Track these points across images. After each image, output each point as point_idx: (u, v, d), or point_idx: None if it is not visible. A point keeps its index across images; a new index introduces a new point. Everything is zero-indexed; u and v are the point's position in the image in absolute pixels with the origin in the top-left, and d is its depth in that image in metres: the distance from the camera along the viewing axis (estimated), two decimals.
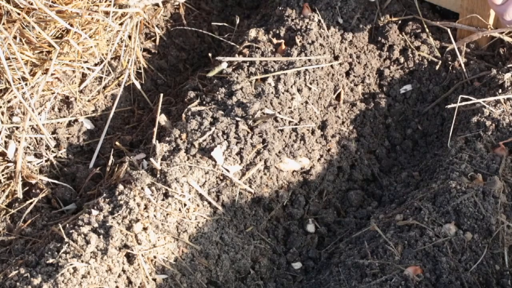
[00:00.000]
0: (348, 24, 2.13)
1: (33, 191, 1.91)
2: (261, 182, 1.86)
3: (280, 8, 2.18)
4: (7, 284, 1.60)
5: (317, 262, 1.85)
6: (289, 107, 1.94)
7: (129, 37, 2.12)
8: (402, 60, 2.14)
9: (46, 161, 1.97)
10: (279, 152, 1.89)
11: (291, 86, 1.97)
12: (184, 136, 1.85)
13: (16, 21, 1.92)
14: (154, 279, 1.64)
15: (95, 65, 2.09)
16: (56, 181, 1.93)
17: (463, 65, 2.08)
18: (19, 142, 1.92)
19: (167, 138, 1.85)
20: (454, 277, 1.61)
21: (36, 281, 1.57)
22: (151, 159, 1.79)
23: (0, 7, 1.91)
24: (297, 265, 1.84)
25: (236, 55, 2.06)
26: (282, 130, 1.90)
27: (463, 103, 1.94)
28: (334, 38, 2.09)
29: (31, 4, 1.91)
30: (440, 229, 1.67)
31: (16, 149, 1.92)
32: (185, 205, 1.74)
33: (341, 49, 2.10)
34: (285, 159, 1.89)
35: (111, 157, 1.91)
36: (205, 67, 2.12)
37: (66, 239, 1.63)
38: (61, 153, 1.99)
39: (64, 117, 2.04)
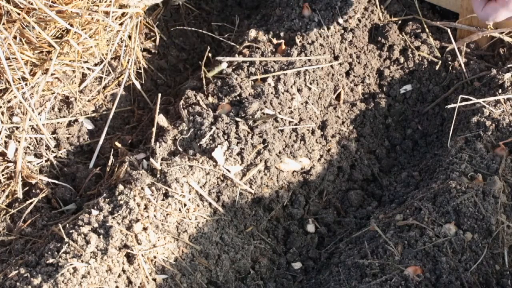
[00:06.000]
0: (348, 24, 2.13)
1: (33, 191, 1.91)
2: (261, 183, 1.86)
3: (280, 8, 2.18)
4: (7, 284, 1.60)
5: (317, 262, 1.85)
6: (289, 107, 1.94)
7: (129, 37, 2.12)
8: (402, 60, 2.15)
9: (46, 161, 1.97)
10: (280, 152, 1.89)
11: (291, 86, 1.97)
12: (184, 136, 1.85)
13: (16, 21, 1.92)
14: (154, 279, 1.64)
15: (95, 65, 2.09)
16: (56, 181, 1.93)
17: (463, 65, 2.09)
18: (19, 142, 1.92)
19: (167, 138, 1.85)
20: (454, 277, 1.61)
21: (36, 281, 1.57)
22: (151, 159, 1.79)
23: (0, 7, 1.91)
24: (297, 265, 1.84)
25: (236, 55, 2.06)
26: (282, 130, 1.90)
27: (463, 103, 1.94)
28: (334, 38, 2.09)
29: (31, 4, 1.91)
30: (440, 229, 1.67)
31: (16, 149, 1.92)
32: (185, 205, 1.74)
33: (341, 49, 2.10)
34: (285, 159, 1.89)
35: (111, 157, 1.91)
36: (205, 67, 2.12)
37: (66, 239, 1.63)
38: (61, 153, 1.99)
39: (64, 117, 2.04)
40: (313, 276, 1.80)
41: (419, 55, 2.14)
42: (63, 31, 2.02)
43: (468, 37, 2.11)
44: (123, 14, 2.10)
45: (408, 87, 2.13)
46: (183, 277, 1.68)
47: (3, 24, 1.91)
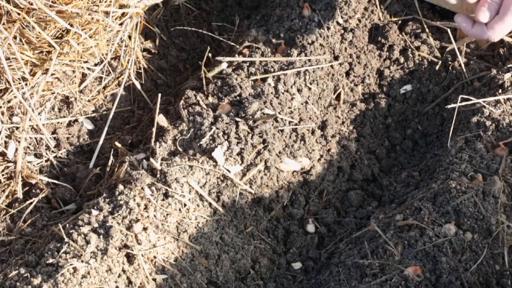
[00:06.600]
0: (348, 24, 2.13)
1: (33, 191, 1.91)
2: (261, 183, 1.86)
3: (280, 8, 2.18)
4: (7, 284, 1.60)
5: (317, 262, 1.85)
6: (289, 107, 1.94)
7: (129, 37, 2.12)
8: (402, 60, 2.15)
9: (46, 161, 1.97)
10: (279, 152, 1.89)
11: (291, 86, 1.97)
12: (184, 136, 1.85)
13: (16, 21, 1.92)
14: (154, 279, 1.64)
15: (95, 65, 2.09)
16: (56, 181, 1.93)
17: (463, 65, 2.09)
18: (19, 142, 1.92)
19: (167, 138, 1.85)
20: (454, 277, 1.61)
21: (36, 281, 1.57)
22: (151, 159, 1.79)
23: (0, 7, 1.91)
24: (297, 265, 1.84)
25: (236, 55, 2.06)
26: (282, 130, 1.90)
27: (463, 103, 1.94)
28: (334, 38, 2.09)
29: (31, 4, 1.91)
30: (440, 229, 1.67)
31: (16, 149, 1.92)
32: (185, 205, 1.74)
33: (341, 49, 2.10)
34: (285, 159, 1.89)
35: (111, 157, 1.91)
36: (205, 67, 2.13)
37: (66, 239, 1.63)
38: (61, 153, 1.99)
39: (64, 117, 2.04)
40: (313, 276, 1.80)
41: (419, 55, 2.14)
42: (63, 31, 2.02)
43: (468, 37, 2.11)
44: (123, 14, 2.10)
45: (408, 87, 2.13)
46: (183, 277, 1.68)
47: (3, 24, 1.91)
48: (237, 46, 2.10)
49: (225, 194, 1.80)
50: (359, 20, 2.15)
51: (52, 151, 1.99)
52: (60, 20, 1.94)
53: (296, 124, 1.94)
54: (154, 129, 1.89)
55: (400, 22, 2.19)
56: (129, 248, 1.63)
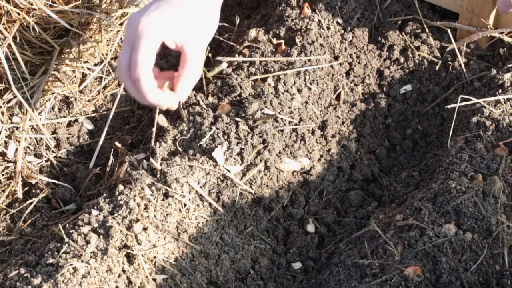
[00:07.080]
0: (348, 24, 2.13)
1: (33, 191, 1.91)
2: (261, 183, 1.86)
3: (280, 8, 2.18)
4: (7, 284, 1.60)
5: (317, 262, 1.85)
6: (289, 107, 1.94)
7: None
8: (402, 60, 2.15)
9: (46, 161, 1.97)
10: (280, 152, 1.89)
11: (291, 86, 1.97)
12: (184, 136, 1.85)
13: (16, 21, 1.92)
14: (154, 279, 1.64)
15: (95, 65, 2.09)
16: (56, 181, 1.93)
17: (463, 65, 2.09)
18: (19, 142, 1.92)
19: (167, 138, 1.86)
20: (454, 277, 1.61)
21: (36, 281, 1.57)
22: (151, 159, 1.79)
23: (0, 7, 1.91)
24: (297, 265, 1.84)
25: (236, 55, 2.06)
26: (282, 130, 1.90)
27: (463, 103, 1.94)
28: (334, 38, 2.09)
29: (31, 4, 1.91)
30: (440, 229, 1.67)
31: (16, 149, 1.92)
32: (185, 205, 1.74)
33: (341, 49, 2.10)
34: (285, 159, 1.89)
35: (111, 157, 1.91)
36: (205, 67, 2.13)
37: (66, 239, 1.63)
38: (61, 153, 1.99)
39: (64, 117, 2.04)
40: (313, 276, 1.80)
41: (419, 55, 2.14)
42: (63, 31, 2.02)
43: (468, 37, 2.11)
44: (123, 14, 2.10)
45: (408, 87, 2.13)
46: (183, 277, 1.68)
47: (3, 24, 1.91)
48: (237, 46, 2.10)
49: (225, 194, 1.80)
50: (359, 20, 2.15)
51: (52, 151, 1.99)
52: (60, 20, 1.94)
53: (296, 124, 1.94)
54: (154, 129, 1.89)
55: (400, 22, 2.19)
56: (129, 248, 1.63)
